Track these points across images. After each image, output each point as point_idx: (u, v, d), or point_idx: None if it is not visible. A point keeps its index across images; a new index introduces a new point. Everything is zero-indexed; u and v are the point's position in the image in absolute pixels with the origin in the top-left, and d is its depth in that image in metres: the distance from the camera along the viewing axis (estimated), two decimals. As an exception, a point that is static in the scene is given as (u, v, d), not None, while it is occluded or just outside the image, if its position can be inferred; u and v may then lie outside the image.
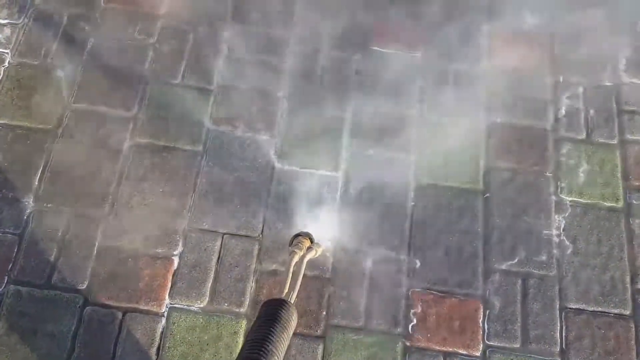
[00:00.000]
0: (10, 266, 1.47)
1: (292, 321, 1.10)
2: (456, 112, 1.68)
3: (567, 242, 1.54)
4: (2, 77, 1.68)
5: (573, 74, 1.75)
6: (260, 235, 1.52)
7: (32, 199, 1.53)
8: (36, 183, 1.55)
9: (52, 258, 1.47)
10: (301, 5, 1.82)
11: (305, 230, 1.47)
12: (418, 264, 1.50)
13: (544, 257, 1.51)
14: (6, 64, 1.70)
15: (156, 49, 1.74)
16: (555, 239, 1.54)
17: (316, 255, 1.44)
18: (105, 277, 1.46)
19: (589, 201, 1.58)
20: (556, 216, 1.56)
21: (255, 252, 1.50)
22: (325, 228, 1.51)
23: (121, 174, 1.57)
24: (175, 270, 1.47)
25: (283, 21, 1.79)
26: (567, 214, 1.57)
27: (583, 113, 1.70)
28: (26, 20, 1.76)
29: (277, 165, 1.60)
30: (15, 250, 1.48)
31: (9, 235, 1.50)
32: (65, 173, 1.57)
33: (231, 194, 1.56)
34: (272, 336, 1.01)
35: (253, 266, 1.49)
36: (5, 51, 1.72)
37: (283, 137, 1.63)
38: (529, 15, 1.82)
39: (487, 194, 1.58)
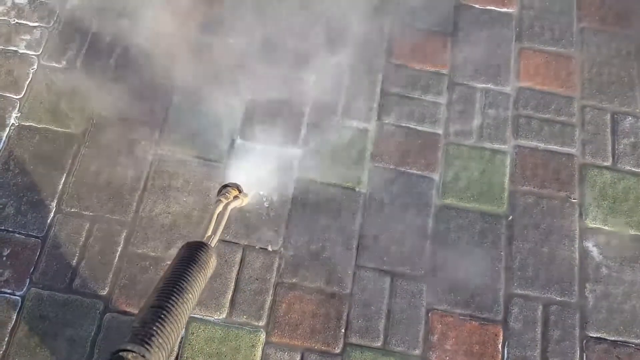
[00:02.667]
0: (32, 269, 1.51)
1: (211, 263, 1.13)
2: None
3: (589, 270, 1.56)
4: (30, 80, 1.73)
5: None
6: (281, 250, 1.56)
7: (56, 203, 1.58)
8: (61, 187, 1.60)
9: (74, 262, 1.52)
10: None
11: (233, 182, 1.50)
12: (439, 285, 1.53)
13: (565, 284, 1.54)
14: (35, 66, 1.75)
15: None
16: (578, 266, 1.57)
17: (242, 204, 1.48)
18: (126, 284, 1.50)
19: (613, 229, 1.61)
20: (579, 243, 1.59)
21: (276, 265, 1.54)
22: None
23: (146, 181, 1.62)
24: (195, 281, 1.51)
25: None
26: (590, 241, 1.60)
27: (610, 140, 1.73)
28: (56, 24, 1.82)
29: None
30: (38, 253, 1.53)
31: (32, 238, 1.54)
32: (90, 178, 1.61)
33: (253, 204, 1.60)
34: (188, 275, 1.05)
35: (273, 280, 1.52)
36: (35, 54, 1.77)
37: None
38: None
39: (511, 217, 1.61)
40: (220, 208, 1.34)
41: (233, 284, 1.51)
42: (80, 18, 1.83)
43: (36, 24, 1.82)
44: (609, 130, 1.73)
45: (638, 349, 1.48)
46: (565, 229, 1.60)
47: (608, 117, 1.75)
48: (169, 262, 1.50)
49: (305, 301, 1.50)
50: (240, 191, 1.47)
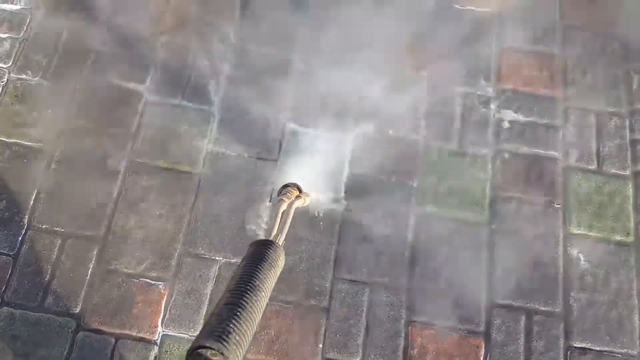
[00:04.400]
0: (4, 288, 1.50)
1: (280, 261, 1.14)
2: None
3: (574, 278, 1.54)
4: (0, 93, 1.72)
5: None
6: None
7: (27, 219, 1.57)
8: (32, 203, 1.59)
9: (45, 280, 1.51)
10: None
11: (293, 181, 1.51)
12: (418, 297, 1.52)
13: (549, 293, 1.52)
14: (5, 79, 1.74)
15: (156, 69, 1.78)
16: (562, 274, 1.55)
17: (304, 204, 1.49)
18: (98, 302, 1.49)
19: (598, 234, 1.59)
20: (563, 250, 1.57)
21: (252, 279, 1.52)
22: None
23: (117, 195, 1.61)
24: (168, 298, 1.50)
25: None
26: (575, 248, 1.58)
27: (595, 142, 1.71)
28: (26, 34, 1.81)
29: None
30: (10, 271, 1.52)
31: (3, 256, 1.53)
32: (61, 193, 1.60)
33: (229, 218, 1.59)
34: (260, 273, 1.05)
35: (249, 294, 1.51)
36: (4, 66, 1.76)
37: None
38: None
39: (493, 225, 1.59)
40: (284, 207, 1.35)
41: (207, 299, 1.50)
42: (51, 28, 1.82)
43: (6, 35, 1.81)
44: (593, 132, 1.71)
45: (624, 359, 1.46)
46: (549, 236, 1.58)
47: (593, 118, 1.73)
48: (141, 279, 1.51)
49: (282, 316, 1.49)
50: (300, 191, 1.47)
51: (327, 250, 1.56)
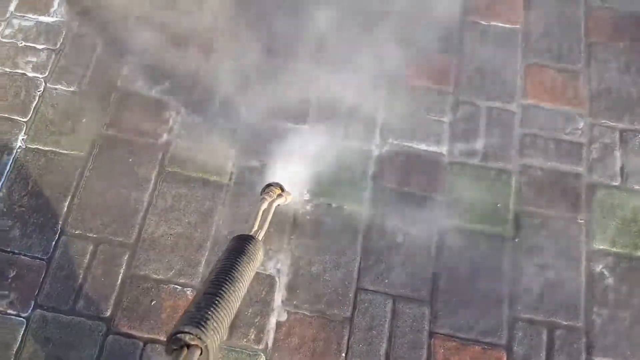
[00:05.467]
0: (37, 291, 1.58)
1: (259, 255, 1.23)
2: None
3: (596, 293, 1.58)
4: (37, 103, 1.81)
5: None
6: (279, 272, 1.60)
7: (61, 225, 1.65)
8: (65, 209, 1.67)
9: (77, 284, 1.59)
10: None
11: (276, 181, 1.58)
12: (441, 309, 1.56)
13: (571, 308, 1.55)
14: (41, 89, 1.84)
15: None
16: (584, 289, 1.58)
17: (285, 203, 1.57)
18: (128, 306, 1.56)
19: (621, 250, 1.62)
20: (586, 265, 1.61)
21: (277, 288, 1.59)
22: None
23: (149, 203, 1.68)
24: (196, 303, 1.57)
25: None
26: (598, 263, 1.61)
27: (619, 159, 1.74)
28: (62, 46, 1.90)
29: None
30: (43, 275, 1.60)
31: (37, 260, 1.62)
32: (94, 200, 1.68)
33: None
34: (239, 265, 1.15)
35: (273, 303, 1.57)
36: (41, 76, 1.86)
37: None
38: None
39: (517, 239, 1.64)
40: (265, 205, 1.44)
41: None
42: (85, 40, 1.91)
43: (43, 47, 1.91)
44: (618, 148, 1.75)
45: (647, 375, 1.49)
46: (572, 251, 1.62)
47: (617, 134, 1.77)
48: (170, 285, 1.58)
49: (306, 324, 1.55)
50: (283, 190, 1.55)
51: (351, 261, 1.62)
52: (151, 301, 1.57)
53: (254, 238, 1.26)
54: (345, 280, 1.59)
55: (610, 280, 1.59)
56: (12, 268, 1.61)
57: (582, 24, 1.93)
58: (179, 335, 0.99)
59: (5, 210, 1.67)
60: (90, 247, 1.63)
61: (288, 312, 1.56)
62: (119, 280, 1.59)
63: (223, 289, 1.08)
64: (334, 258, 1.62)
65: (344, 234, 1.65)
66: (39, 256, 1.62)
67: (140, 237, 1.64)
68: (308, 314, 1.56)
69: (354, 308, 1.56)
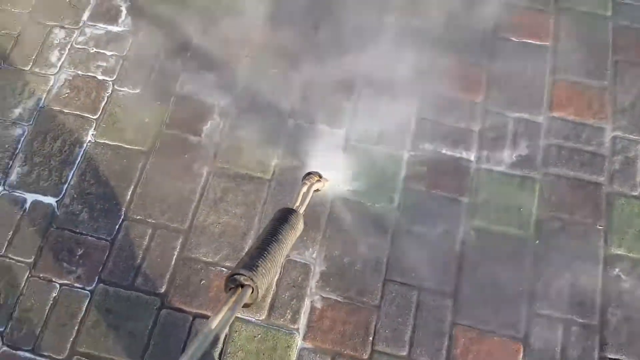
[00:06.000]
0: (101, 268, 1.80)
1: (299, 224, 1.46)
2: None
3: (612, 295, 1.68)
4: (105, 103, 2.05)
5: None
6: (316, 261, 1.77)
7: (124, 211, 1.87)
8: (128, 197, 1.89)
9: (136, 263, 1.80)
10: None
11: (315, 170, 1.80)
12: (464, 302, 1.70)
13: (587, 307, 1.67)
14: (110, 91, 2.08)
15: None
16: (600, 290, 1.69)
17: (323, 187, 1.78)
18: (180, 284, 1.76)
19: (637, 256, 1.73)
20: (603, 268, 1.72)
21: (311, 274, 1.76)
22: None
23: (201, 194, 1.89)
24: (240, 285, 1.76)
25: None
26: (614, 267, 1.72)
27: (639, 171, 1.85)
28: (129, 52, 2.14)
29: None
30: (107, 254, 1.82)
31: (102, 241, 1.84)
32: (154, 190, 1.90)
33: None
34: (283, 230, 1.38)
35: (308, 288, 1.74)
36: (110, 79, 2.10)
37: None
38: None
39: (537, 241, 1.76)
40: (305, 189, 1.66)
41: (273, 289, 1.74)
42: (149, 48, 2.15)
43: (111, 53, 2.15)
44: (638, 160, 1.85)
45: (658, 374, 1.59)
46: (590, 255, 1.74)
47: (638, 148, 1.87)
48: (217, 267, 1.77)
49: (337, 309, 1.71)
50: (320, 177, 1.76)
51: (381, 254, 1.78)
52: (201, 281, 1.76)
53: (295, 211, 1.48)
54: (375, 271, 1.75)
55: (625, 283, 1.69)
56: (80, 247, 1.83)
57: (610, 42, 2.05)
58: (235, 276, 1.21)
59: (75, 196, 1.90)
60: (149, 231, 1.84)
61: (321, 297, 1.73)
62: (173, 261, 1.80)
63: (270, 246, 1.30)
64: (365, 251, 1.78)
65: (375, 230, 1.81)
66: (104, 237, 1.84)
67: (192, 224, 1.85)
68: (340, 300, 1.72)
69: (382, 297, 1.72)
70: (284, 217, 1.43)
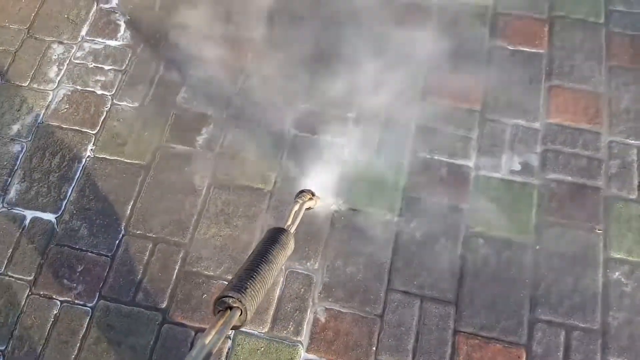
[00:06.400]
0: (101, 284, 1.81)
1: (290, 244, 1.45)
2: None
3: (612, 298, 1.70)
4: (104, 117, 2.07)
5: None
6: (319, 271, 1.78)
7: (124, 226, 1.88)
8: (128, 212, 1.90)
9: (137, 278, 1.80)
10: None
11: (308, 188, 1.79)
12: (466, 309, 1.71)
13: (588, 311, 1.68)
14: (109, 105, 2.09)
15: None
16: (601, 294, 1.71)
17: (315, 205, 1.77)
18: (182, 299, 1.77)
19: (637, 259, 1.75)
20: (603, 272, 1.74)
21: (313, 286, 1.77)
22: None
23: (202, 207, 1.90)
24: (242, 298, 1.76)
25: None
26: (614, 271, 1.74)
27: (636, 174, 1.88)
28: (128, 67, 2.16)
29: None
30: (107, 270, 1.82)
31: (102, 256, 1.84)
32: (154, 204, 1.91)
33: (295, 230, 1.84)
34: (273, 250, 1.37)
35: (311, 299, 1.75)
36: (109, 94, 2.11)
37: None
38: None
39: (537, 246, 1.78)
40: (297, 207, 1.66)
41: (275, 301, 1.75)
42: (148, 62, 2.17)
43: (110, 67, 2.17)
44: (635, 164, 1.88)
45: (661, 377, 1.60)
46: (590, 259, 1.75)
47: (634, 151, 1.90)
48: (219, 280, 1.78)
49: (340, 319, 1.72)
50: (313, 194, 1.76)
51: (382, 263, 1.79)
52: (202, 295, 1.77)
53: (286, 230, 1.47)
54: (377, 281, 1.76)
55: (626, 287, 1.71)
56: (80, 263, 1.84)
57: (604, 49, 2.08)
58: (223, 298, 1.20)
59: (75, 212, 1.91)
60: (150, 246, 1.85)
61: (324, 308, 1.74)
62: (174, 276, 1.81)
63: (260, 267, 1.29)
64: (367, 261, 1.79)
65: (376, 239, 1.82)
66: (104, 253, 1.85)
67: (193, 238, 1.86)
68: (342, 310, 1.73)
69: (385, 306, 1.73)
70: (275, 236, 1.42)
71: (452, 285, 1.75)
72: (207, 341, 1.11)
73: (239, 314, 1.20)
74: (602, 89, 2.01)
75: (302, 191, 1.75)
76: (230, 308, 1.19)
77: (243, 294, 1.20)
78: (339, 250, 1.82)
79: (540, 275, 1.74)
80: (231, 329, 1.20)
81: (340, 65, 2.11)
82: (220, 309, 1.20)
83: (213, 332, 1.13)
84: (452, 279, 1.76)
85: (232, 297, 1.20)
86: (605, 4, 2.17)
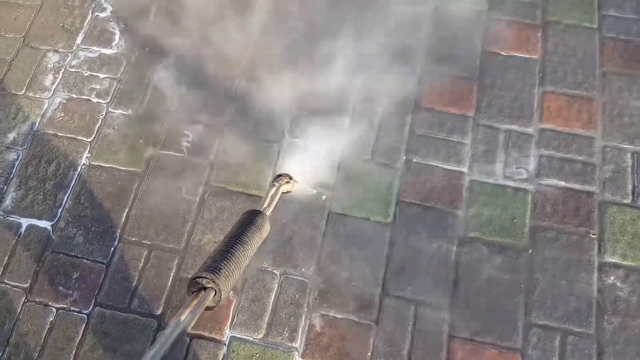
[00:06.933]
0: (97, 291, 1.82)
1: (266, 226, 1.47)
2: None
3: (607, 303, 1.71)
4: (99, 125, 2.09)
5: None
6: (311, 278, 1.80)
7: (119, 233, 1.90)
8: (124, 219, 1.92)
9: (132, 285, 1.81)
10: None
11: (285, 172, 1.80)
12: (460, 314, 1.72)
13: (583, 316, 1.69)
14: (104, 113, 2.11)
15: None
16: (596, 299, 1.72)
17: (293, 189, 1.79)
18: (177, 305, 1.78)
19: (632, 263, 1.76)
20: (598, 276, 1.75)
21: (308, 291, 1.78)
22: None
23: (196, 214, 1.91)
24: (237, 304, 1.77)
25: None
26: (609, 275, 1.75)
27: (630, 179, 1.89)
28: (123, 75, 2.18)
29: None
30: (102, 277, 1.84)
31: (98, 263, 1.86)
32: (149, 211, 1.93)
33: (290, 236, 1.86)
34: (248, 232, 1.39)
35: (305, 305, 1.76)
36: (104, 102, 2.13)
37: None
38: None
39: (531, 251, 1.79)
40: (273, 190, 1.68)
41: (270, 307, 1.76)
42: (143, 70, 2.19)
43: (105, 76, 2.19)
44: (629, 169, 1.89)
45: (656, 381, 1.61)
46: (584, 263, 1.77)
47: (628, 156, 1.91)
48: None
49: (335, 325, 1.73)
50: (290, 178, 1.77)
51: (377, 269, 1.80)
52: (197, 301, 1.78)
53: (262, 212, 1.49)
54: (372, 286, 1.77)
55: (621, 292, 1.72)
56: (75, 270, 1.85)
57: (597, 54, 2.10)
58: (197, 279, 1.23)
59: (70, 219, 1.93)
60: (145, 253, 1.86)
61: (319, 314, 1.75)
62: (169, 282, 1.82)
63: (234, 248, 1.32)
64: (362, 266, 1.80)
65: (371, 245, 1.83)
66: (100, 260, 1.86)
67: (188, 244, 1.87)
68: (337, 316, 1.74)
69: (379, 312, 1.74)
70: (250, 219, 1.44)
71: (446, 291, 1.76)
72: (181, 319, 1.12)
73: (213, 294, 1.22)
74: (595, 94, 2.03)
75: (279, 175, 1.78)
76: (205, 289, 1.21)
77: (217, 275, 1.22)
78: (334, 256, 1.83)
79: (534, 280, 1.76)
80: (205, 310, 1.22)
81: (334, 68, 2.13)
82: (194, 289, 1.23)
83: (187, 312, 1.15)
84: (447, 284, 1.77)
85: (206, 278, 1.22)
86: (599, 9, 2.20)
